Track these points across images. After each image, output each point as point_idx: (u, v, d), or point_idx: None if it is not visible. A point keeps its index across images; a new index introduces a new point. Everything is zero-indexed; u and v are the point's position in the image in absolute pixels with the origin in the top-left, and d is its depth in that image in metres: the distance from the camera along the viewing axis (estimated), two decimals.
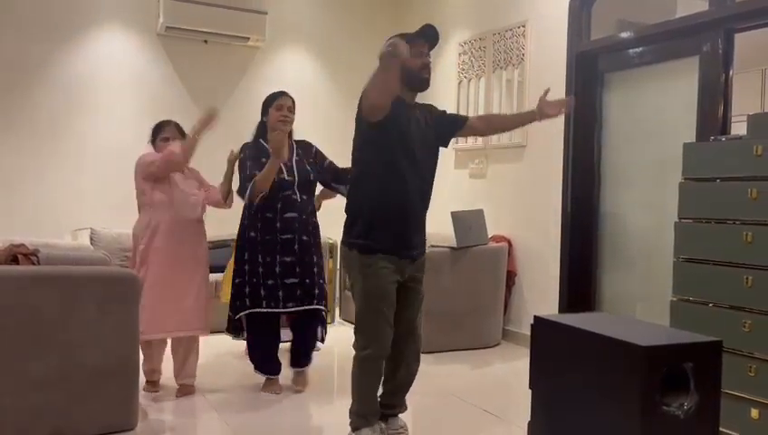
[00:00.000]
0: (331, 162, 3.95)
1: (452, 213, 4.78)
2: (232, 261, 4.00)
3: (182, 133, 3.78)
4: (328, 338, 4.09)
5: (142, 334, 3.47)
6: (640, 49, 4.47)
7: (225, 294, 4.13)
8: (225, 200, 3.86)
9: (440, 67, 6.10)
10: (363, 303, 2.87)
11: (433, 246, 4.59)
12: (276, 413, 3.58)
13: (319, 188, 3.98)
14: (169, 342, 3.77)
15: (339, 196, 3.91)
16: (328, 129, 5.68)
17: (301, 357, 3.95)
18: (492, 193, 5.51)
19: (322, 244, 4.12)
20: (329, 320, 5.53)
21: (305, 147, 3.93)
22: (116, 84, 5.78)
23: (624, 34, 4.54)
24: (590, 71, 4.78)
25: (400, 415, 3.11)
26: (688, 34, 4.06)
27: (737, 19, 3.81)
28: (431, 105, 3.14)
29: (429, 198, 3.01)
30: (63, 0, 5.58)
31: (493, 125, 3.39)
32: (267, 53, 6.32)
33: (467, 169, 5.80)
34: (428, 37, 2.91)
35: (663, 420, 2.15)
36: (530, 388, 2.62)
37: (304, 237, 3.76)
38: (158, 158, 3.63)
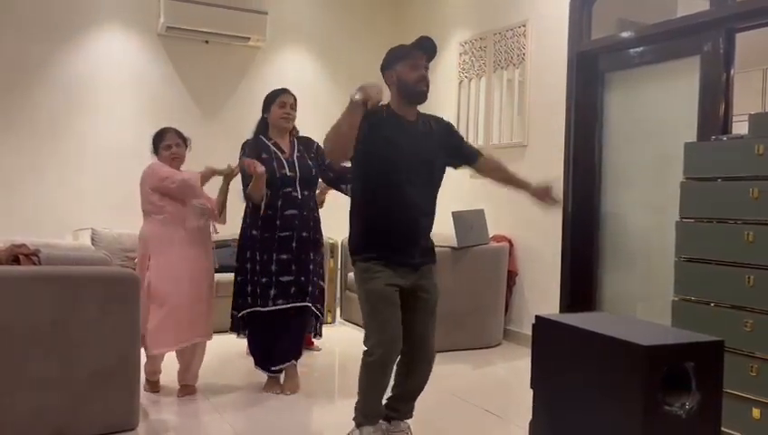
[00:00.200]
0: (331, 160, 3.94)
1: (453, 213, 4.77)
2: None
3: (182, 138, 3.79)
4: (328, 338, 4.09)
5: (151, 349, 3.50)
6: (641, 49, 4.46)
7: None
8: (220, 214, 3.82)
9: (441, 67, 6.10)
10: (365, 306, 2.89)
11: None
12: (277, 413, 3.58)
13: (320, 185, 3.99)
14: None
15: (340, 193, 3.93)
16: (328, 128, 5.67)
17: (287, 352, 3.80)
18: (493, 193, 5.47)
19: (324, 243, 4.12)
20: (329, 320, 5.55)
21: (306, 143, 3.93)
22: (116, 84, 5.78)
23: (625, 34, 4.54)
24: (590, 70, 4.78)
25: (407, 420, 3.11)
26: (689, 34, 4.05)
27: (738, 19, 3.81)
28: (441, 119, 3.08)
29: (431, 208, 2.99)
30: (64, 0, 5.58)
31: (496, 175, 3.20)
32: (268, 53, 6.32)
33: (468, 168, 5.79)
34: (426, 49, 2.89)
35: (664, 420, 2.15)
36: (531, 388, 2.61)
37: (303, 234, 3.75)
38: (177, 180, 3.61)
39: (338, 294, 5.92)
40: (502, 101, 5.52)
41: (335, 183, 3.94)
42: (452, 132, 3.10)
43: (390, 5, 6.83)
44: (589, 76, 4.78)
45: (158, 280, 3.57)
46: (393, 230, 2.86)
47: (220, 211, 3.82)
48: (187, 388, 3.76)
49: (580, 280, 4.80)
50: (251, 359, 3.96)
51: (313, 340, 4.53)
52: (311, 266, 3.79)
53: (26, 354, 2.86)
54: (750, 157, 2.97)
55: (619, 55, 4.63)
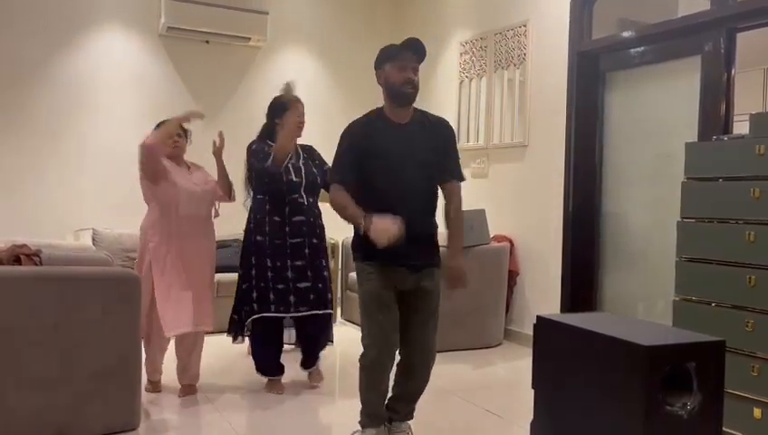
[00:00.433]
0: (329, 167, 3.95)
1: None
2: None
3: (183, 129, 3.78)
4: None
5: (166, 331, 3.53)
6: (642, 48, 4.46)
7: None
8: (229, 196, 3.86)
9: (441, 67, 6.10)
10: (361, 308, 2.91)
11: None
12: (278, 413, 3.58)
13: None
14: (172, 341, 3.76)
15: None
16: (329, 128, 5.58)
17: (309, 359, 4.01)
18: (493, 193, 5.50)
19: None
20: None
21: (309, 150, 3.97)
22: (117, 84, 5.78)
23: (625, 34, 4.53)
24: (591, 70, 4.77)
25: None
26: (690, 34, 4.05)
27: (739, 18, 3.81)
28: (443, 121, 3.02)
29: (430, 208, 2.96)
30: (64, 0, 5.58)
31: (446, 215, 3.06)
32: (268, 53, 6.32)
33: (469, 168, 5.79)
34: (415, 50, 2.85)
35: (666, 420, 2.15)
36: (532, 388, 2.62)
37: (314, 240, 3.79)
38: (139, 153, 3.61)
39: (338, 295, 5.92)
40: (502, 101, 5.52)
41: None
42: (448, 139, 3.00)
43: (390, 5, 6.83)
44: (589, 76, 4.78)
45: (166, 265, 3.58)
46: None
47: (228, 192, 3.84)
48: (187, 388, 3.76)
49: (581, 280, 4.80)
50: (251, 359, 3.96)
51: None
52: (325, 273, 3.84)
53: (27, 354, 2.86)
54: (751, 157, 2.96)
55: (619, 55, 4.63)
